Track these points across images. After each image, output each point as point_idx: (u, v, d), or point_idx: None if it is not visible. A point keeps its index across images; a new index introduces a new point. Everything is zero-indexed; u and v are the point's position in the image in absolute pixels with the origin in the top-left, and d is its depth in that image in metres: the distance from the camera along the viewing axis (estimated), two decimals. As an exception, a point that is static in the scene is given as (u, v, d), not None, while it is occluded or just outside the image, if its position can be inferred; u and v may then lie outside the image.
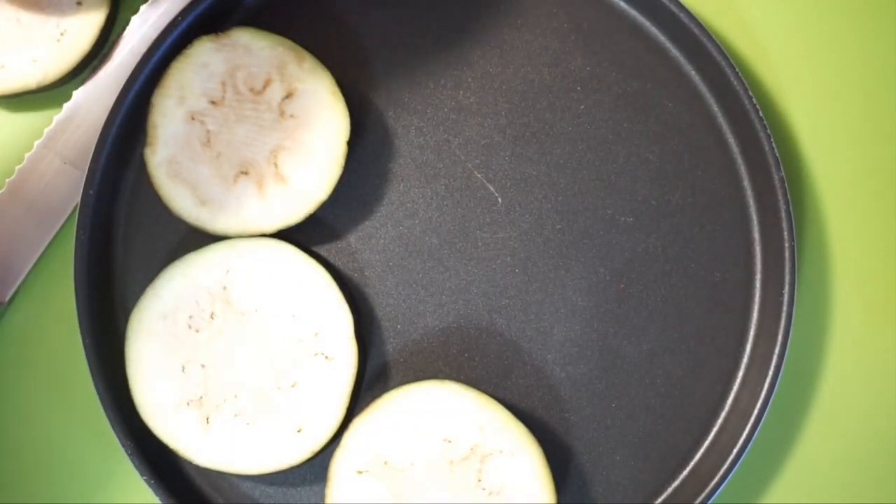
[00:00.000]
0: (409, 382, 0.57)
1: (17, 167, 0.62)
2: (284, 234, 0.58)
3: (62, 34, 0.61)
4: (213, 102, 0.58)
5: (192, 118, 0.58)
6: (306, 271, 0.58)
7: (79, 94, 0.62)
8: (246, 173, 0.58)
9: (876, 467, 0.62)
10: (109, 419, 0.57)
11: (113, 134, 0.58)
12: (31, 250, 0.62)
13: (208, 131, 0.58)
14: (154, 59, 0.58)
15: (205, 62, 0.59)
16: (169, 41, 0.58)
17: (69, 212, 0.62)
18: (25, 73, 0.61)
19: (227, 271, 0.58)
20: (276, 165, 0.58)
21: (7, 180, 0.62)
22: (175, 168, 0.58)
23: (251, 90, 0.58)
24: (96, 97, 0.62)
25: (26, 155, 0.62)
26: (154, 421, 0.57)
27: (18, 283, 0.62)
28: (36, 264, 0.62)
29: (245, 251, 0.58)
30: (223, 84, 0.58)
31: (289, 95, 0.58)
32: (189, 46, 0.59)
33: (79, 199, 0.59)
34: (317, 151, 0.58)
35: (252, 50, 0.59)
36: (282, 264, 0.58)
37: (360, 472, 0.56)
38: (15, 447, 0.62)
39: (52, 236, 0.62)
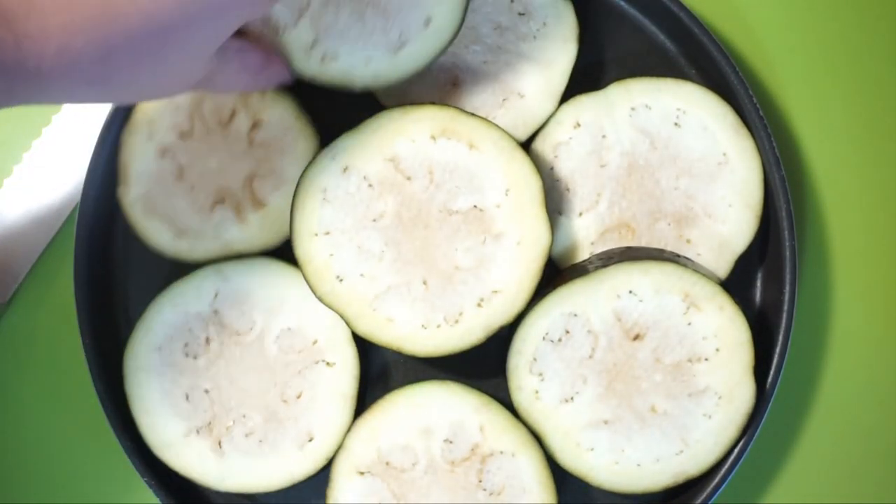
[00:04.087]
0: (410, 384, 0.57)
1: (17, 167, 0.62)
2: (270, 253, 0.59)
3: None
4: (182, 135, 0.58)
5: (164, 153, 0.58)
6: (294, 283, 0.57)
7: (78, 94, 0.62)
8: (222, 202, 0.58)
9: (876, 467, 0.62)
10: (108, 417, 0.57)
11: (98, 174, 0.58)
12: (31, 250, 0.62)
13: (180, 165, 0.58)
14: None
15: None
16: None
17: (69, 212, 0.62)
18: None
19: (216, 294, 0.58)
20: (251, 191, 0.58)
21: (6, 180, 0.62)
22: (150, 204, 0.58)
23: (219, 122, 0.58)
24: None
25: (25, 155, 0.62)
26: (166, 454, 0.58)
27: (18, 282, 0.62)
28: (36, 264, 0.62)
29: (230, 273, 0.58)
30: (191, 117, 0.58)
31: (255, 125, 0.58)
32: None
33: (79, 198, 0.59)
34: (291, 175, 0.58)
35: None
36: (269, 280, 0.58)
37: (362, 473, 0.56)
38: (15, 446, 0.62)
39: (52, 236, 0.62)
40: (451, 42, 0.54)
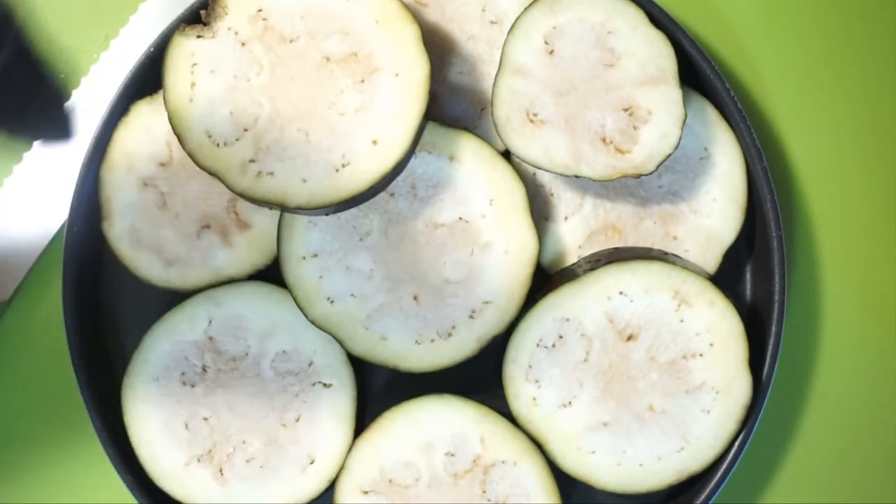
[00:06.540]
0: (408, 400, 0.57)
1: (17, 167, 0.62)
2: (260, 272, 0.59)
3: None
4: (162, 164, 0.58)
5: (145, 184, 0.58)
6: (286, 305, 0.57)
7: (77, 94, 0.62)
8: (208, 227, 0.58)
9: (874, 448, 0.62)
10: (109, 455, 0.57)
11: (81, 212, 0.58)
12: (31, 249, 0.62)
13: (163, 194, 0.58)
14: (106, 132, 0.58)
15: (146, 126, 0.58)
16: (113, 110, 0.58)
17: (69, 211, 0.62)
18: None
19: (210, 322, 0.58)
20: (235, 213, 0.58)
21: (6, 180, 0.62)
22: (136, 236, 0.58)
23: None
24: (95, 96, 0.62)
25: (25, 154, 0.62)
26: (168, 484, 0.58)
27: (19, 281, 0.62)
28: (36, 262, 0.62)
29: (223, 299, 0.58)
30: (168, 144, 0.58)
31: None
32: (126, 114, 0.58)
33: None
34: None
35: None
36: (261, 303, 0.58)
37: (366, 492, 0.56)
38: (15, 444, 0.62)
39: (51, 235, 0.62)
40: (399, 166, 0.53)
